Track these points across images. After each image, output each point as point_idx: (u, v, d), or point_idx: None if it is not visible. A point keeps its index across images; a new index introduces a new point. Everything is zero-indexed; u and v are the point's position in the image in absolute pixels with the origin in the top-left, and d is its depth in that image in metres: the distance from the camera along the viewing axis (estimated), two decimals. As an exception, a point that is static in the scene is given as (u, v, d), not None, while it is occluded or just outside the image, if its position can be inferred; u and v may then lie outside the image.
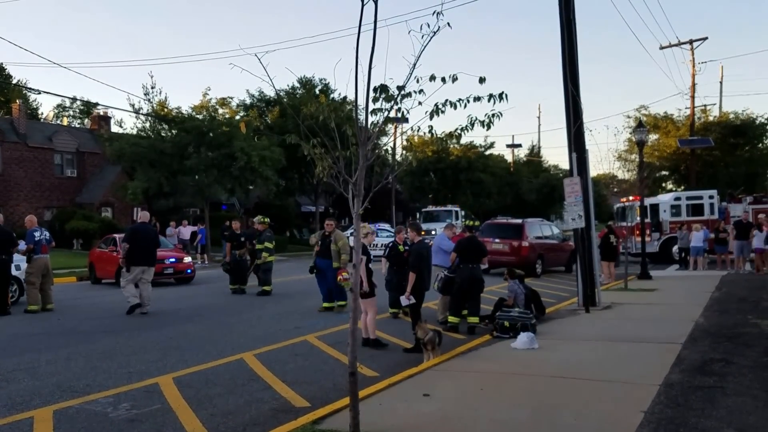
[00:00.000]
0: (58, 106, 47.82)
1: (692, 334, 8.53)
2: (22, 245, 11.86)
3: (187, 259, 17.88)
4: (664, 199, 25.49)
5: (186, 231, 25.57)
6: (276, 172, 29.60)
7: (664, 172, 37.48)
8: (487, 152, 43.08)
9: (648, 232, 21.53)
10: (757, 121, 35.50)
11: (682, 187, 34.18)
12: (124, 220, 31.43)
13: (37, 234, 11.92)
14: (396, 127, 32.78)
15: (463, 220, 30.94)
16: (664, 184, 38.28)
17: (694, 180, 33.05)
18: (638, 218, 20.23)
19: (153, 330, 9.55)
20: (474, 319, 9.38)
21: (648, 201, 22.77)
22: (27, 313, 11.45)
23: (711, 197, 23.87)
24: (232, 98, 30.55)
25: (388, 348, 8.11)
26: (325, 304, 11.34)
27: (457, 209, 33.81)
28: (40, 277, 11.82)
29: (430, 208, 34.80)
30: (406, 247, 9.31)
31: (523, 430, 4.61)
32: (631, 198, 24.27)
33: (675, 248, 22.71)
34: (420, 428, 4.61)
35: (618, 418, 4.92)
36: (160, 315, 11.18)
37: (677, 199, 24.74)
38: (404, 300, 8.24)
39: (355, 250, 4.63)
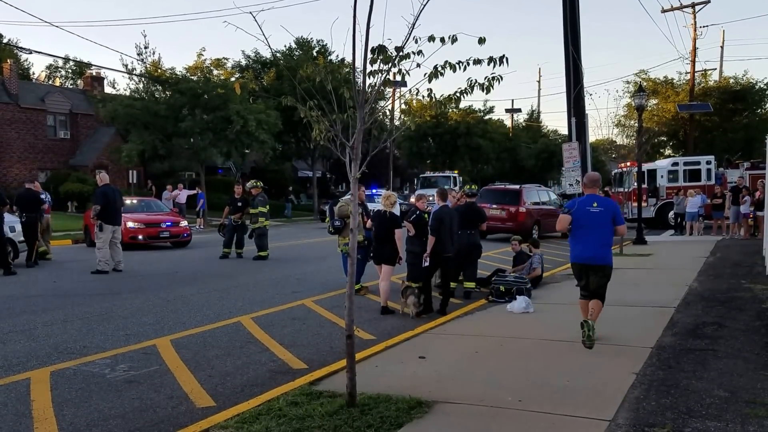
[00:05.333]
0: (50, 66, 46.94)
1: (686, 299, 8.62)
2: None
3: (183, 223, 17.83)
4: (662, 164, 25.44)
5: (182, 195, 25.41)
6: (272, 136, 29.33)
7: (662, 138, 37.33)
8: (486, 117, 42.71)
9: (645, 197, 21.53)
10: (756, 87, 35.20)
11: (681, 153, 34.10)
12: (120, 183, 31.26)
13: (42, 197, 14.00)
14: (394, 91, 32.37)
15: (461, 186, 30.92)
16: (662, 150, 38.17)
17: (692, 145, 32.94)
18: (635, 184, 20.23)
19: (149, 293, 9.58)
20: (470, 284, 9.44)
21: (645, 167, 22.72)
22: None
23: (708, 163, 23.82)
24: (227, 59, 30.05)
25: (393, 315, 8.08)
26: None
27: (455, 175, 33.75)
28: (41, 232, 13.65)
29: (428, 173, 34.69)
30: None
31: (516, 392, 4.67)
32: (628, 163, 24.20)
33: (671, 214, 22.77)
34: (415, 389, 4.67)
35: (610, 379, 4.99)
36: (156, 278, 11.21)
37: (674, 164, 24.70)
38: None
39: (352, 215, 4.60)
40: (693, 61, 32.45)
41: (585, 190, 6.41)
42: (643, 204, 20.12)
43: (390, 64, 4.32)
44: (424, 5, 4.12)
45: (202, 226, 24.51)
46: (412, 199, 10.21)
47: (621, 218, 6.21)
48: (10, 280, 11.05)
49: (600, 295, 6.17)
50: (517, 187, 20.09)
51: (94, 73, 36.63)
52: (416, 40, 4.20)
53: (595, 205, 6.10)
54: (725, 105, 34.42)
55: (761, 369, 5.24)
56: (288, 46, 34.89)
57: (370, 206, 24.90)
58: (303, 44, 35.13)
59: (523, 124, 53.75)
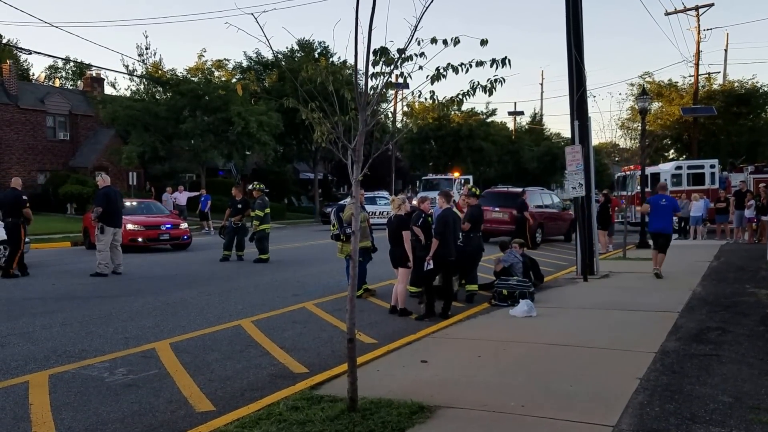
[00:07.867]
0: (50, 67, 46.96)
1: (689, 303, 8.55)
2: None
3: (183, 225, 17.78)
4: (665, 168, 25.38)
5: (182, 197, 25.32)
6: (274, 138, 29.34)
7: (666, 141, 37.24)
8: (489, 119, 42.70)
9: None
10: (761, 90, 35.11)
11: (684, 156, 34.00)
12: (119, 184, 31.25)
13: None
14: (396, 93, 32.31)
15: (463, 187, 30.91)
16: (666, 153, 38.06)
17: (696, 149, 32.86)
18: (638, 187, 20.16)
19: (149, 296, 9.54)
20: (473, 287, 9.38)
21: (649, 170, 22.66)
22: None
23: (712, 166, 23.75)
24: (228, 60, 30.11)
25: (397, 318, 8.03)
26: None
27: (462, 177, 33.71)
28: None
29: (431, 176, 34.69)
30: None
31: (518, 396, 4.62)
32: (632, 167, 24.15)
33: (674, 218, 22.71)
34: (417, 393, 4.62)
35: (614, 384, 4.94)
36: (156, 281, 11.17)
37: (678, 168, 24.63)
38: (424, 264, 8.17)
39: (354, 216, 4.56)
40: (697, 64, 32.39)
41: (658, 191, 11.73)
42: (647, 207, 20.05)
43: (392, 66, 4.28)
44: (427, 7, 4.08)
45: (205, 228, 24.21)
46: (415, 202, 10.17)
47: (678, 208, 12.02)
48: (9, 282, 11.02)
49: (664, 250, 11.23)
50: (520, 190, 20.05)
51: (94, 74, 36.66)
52: (419, 42, 4.16)
53: (663, 201, 11.26)
54: (729, 108, 34.31)
55: (766, 375, 5.18)
56: (290, 47, 34.97)
57: (374, 208, 24.77)
58: (305, 46, 35.19)
59: (526, 127, 53.76)
